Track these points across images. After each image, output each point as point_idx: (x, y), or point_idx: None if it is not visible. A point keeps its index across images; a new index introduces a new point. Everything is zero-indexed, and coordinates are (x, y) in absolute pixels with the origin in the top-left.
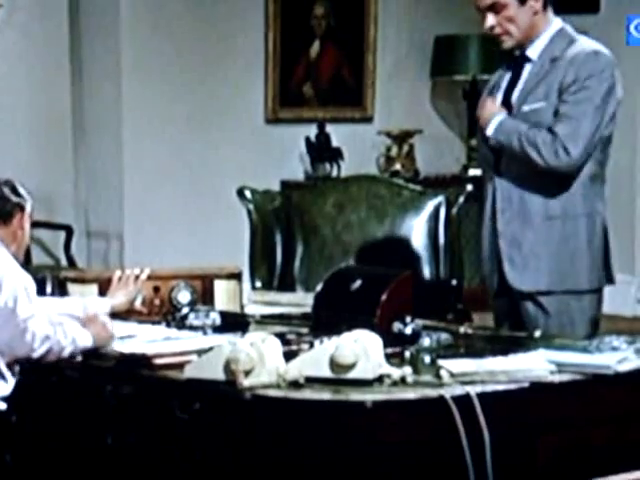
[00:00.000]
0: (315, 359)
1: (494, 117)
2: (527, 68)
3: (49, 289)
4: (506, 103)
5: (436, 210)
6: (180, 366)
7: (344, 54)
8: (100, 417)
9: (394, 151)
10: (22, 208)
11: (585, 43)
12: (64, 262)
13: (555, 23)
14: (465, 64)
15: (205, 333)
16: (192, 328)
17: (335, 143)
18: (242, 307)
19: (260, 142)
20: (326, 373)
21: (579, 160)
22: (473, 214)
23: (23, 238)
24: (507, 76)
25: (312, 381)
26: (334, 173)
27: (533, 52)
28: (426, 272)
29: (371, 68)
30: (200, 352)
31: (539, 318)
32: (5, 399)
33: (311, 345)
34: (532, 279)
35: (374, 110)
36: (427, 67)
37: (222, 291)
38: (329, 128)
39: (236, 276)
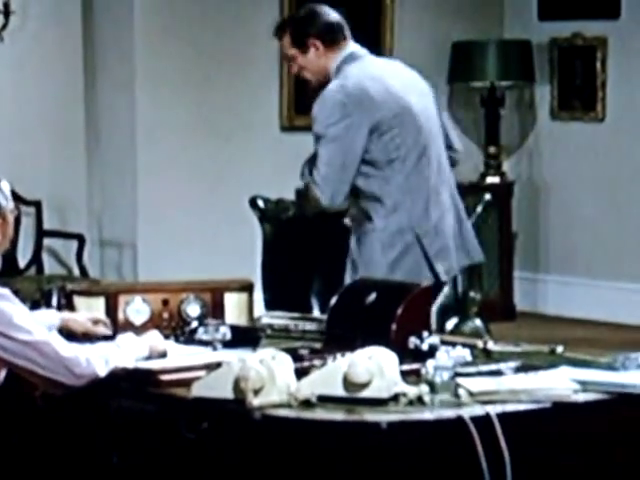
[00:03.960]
0: (328, 377)
1: None
2: None
3: (55, 302)
4: None
5: None
6: (187, 383)
7: None
8: (105, 435)
9: None
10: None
11: (343, 75)
12: (76, 272)
13: (342, 54)
14: (483, 70)
15: (214, 348)
16: (201, 343)
17: None
18: (253, 320)
19: (275, 150)
20: (339, 392)
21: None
22: (492, 222)
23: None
24: None
25: (324, 400)
26: None
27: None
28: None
29: None
30: (208, 368)
31: None
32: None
33: (323, 362)
34: None
35: None
36: (444, 73)
37: (233, 304)
38: None
39: (247, 288)
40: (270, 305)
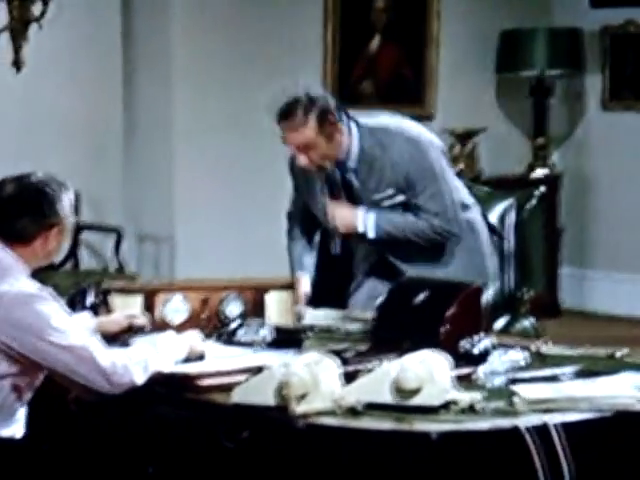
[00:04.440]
0: (375, 383)
1: (359, 217)
2: (353, 175)
3: (90, 300)
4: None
5: (504, 214)
6: (227, 388)
7: (405, 49)
8: (140, 445)
9: (457, 150)
10: (50, 227)
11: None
12: (113, 266)
13: (352, 126)
14: (531, 59)
15: (255, 350)
16: (241, 344)
17: None
18: (296, 321)
19: None
20: (387, 399)
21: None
22: (538, 216)
23: (47, 256)
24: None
25: (371, 408)
26: None
27: (352, 162)
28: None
29: (433, 64)
30: (249, 373)
31: None
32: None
33: (370, 367)
34: None
35: (435, 108)
36: (492, 62)
37: (274, 303)
38: None
39: (290, 287)
40: (310, 303)
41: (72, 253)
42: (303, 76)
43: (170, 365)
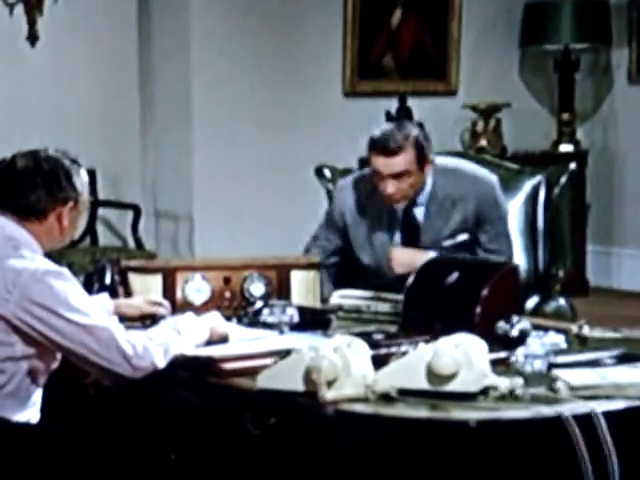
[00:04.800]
0: (409, 368)
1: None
2: (419, 211)
3: (108, 279)
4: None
5: (534, 191)
6: (252, 372)
7: (427, 23)
8: (162, 430)
9: (480, 126)
10: (65, 201)
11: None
12: (132, 243)
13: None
14: (557, 32)
15: (281, 332)
16: (266, 325)
17: (417, 117)
18: (322, 301)
19: (338, 117)
20: (422, 384)
21: None
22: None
23: (62, 235)
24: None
25: (405, 394)
26: None
27: (423, 198)
28: (523, 261)
29: (455, 38)
30: (276, 356)
31: None
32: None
33: (403, 350)
34: None
35: (458, 82)
36: (516, 36)
37: (300, 283)
38: (410, 102)
39: (315, 266)
40: (337, 283)
41: (89, 230)
42: (323, 43)
43: (192, 348)
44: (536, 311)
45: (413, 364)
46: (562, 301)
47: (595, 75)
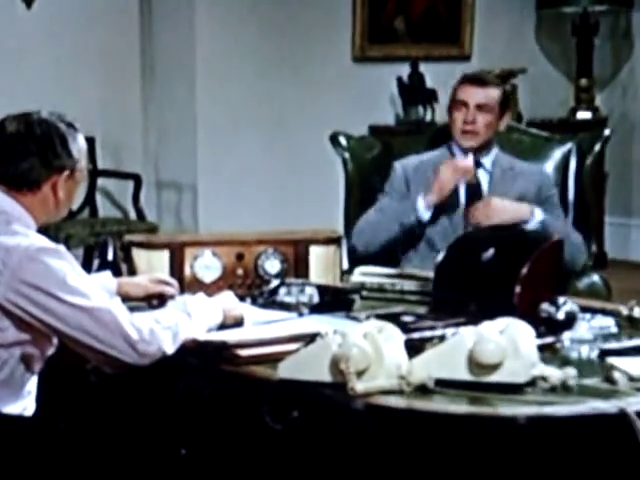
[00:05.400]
0: (448, 356)
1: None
2: (483, 175)
3: (110, 255)
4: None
5: (565, 160)
6: (272, 359)
7: None
8: (171, 423)
9: None
10: (60, 169)
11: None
12: (133, 215)
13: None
14: None
15: (300, 314)
16: (283, 306)
17: (429, 84)
18: (342, 280)
19: (347, 83)
20: (462, 375)
21: None
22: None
23: (57, 207)
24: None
25: (444, 385)
26: (428, 117)
27: (487, 160)
28: None
29: (469, 0)
30: (298, 341)
31: None
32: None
33: (440, 335)
34: None
35: (472, 47)
36: None
37: (318, 259)
38: (423, 67)
39: (335, 241)
40: (354, 258)
41: (88, 200)
42: (333, 11)
43: (204, 332)
44: (566, 288)
45: (453, 352)
46: (595, 277)
47: (615, 39)
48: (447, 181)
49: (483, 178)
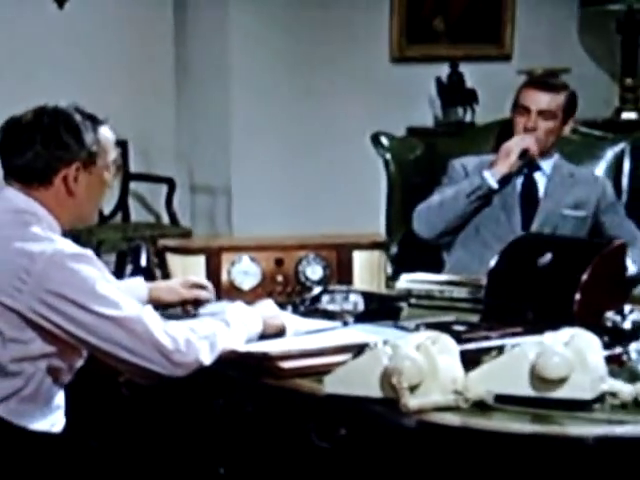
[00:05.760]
0: (509, 369)
1: None
2: (540, 179)
3: (144, 261)
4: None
5: (618, 160)
6: (317, 372)
7: None
8: (210, 440)
9: None
10: (69, 161)
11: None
12: (166, 219)
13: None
14: None
15: (345, 323)
16: (326, 314)
17: (469, 84)
18: (388, 287)
19: (384, 84)
20: (524, 390)
21: None
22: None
23: (76, 204)
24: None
25: (504, 401)
26: (468, 118)
27: (547, 165)
28: None
29: None
30: (344, 352)
31: None
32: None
33: (500, 348)
34: None
35: (513, 47)
36: None
37: (363, 265)
38: (462, 67)
39: (380, 246)
40: (398, 263)
41: (120, 205)
42: (371, 11)
43: (243, 342)
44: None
45: (513, 365)
46: None
47: None
48: (514, 145)
49: (540, 182)
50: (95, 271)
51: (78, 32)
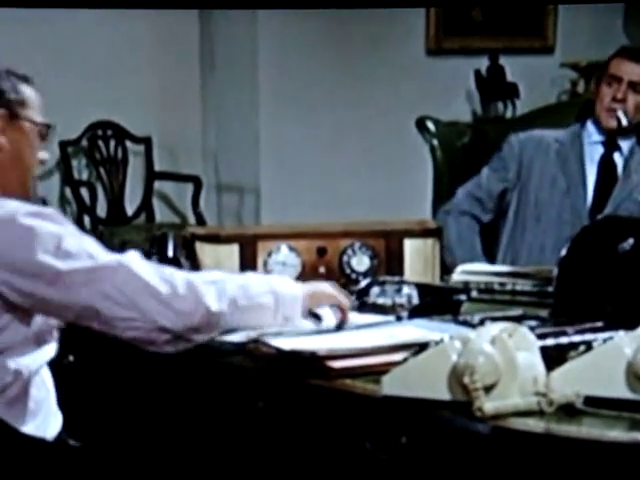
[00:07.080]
0: (600, 368)
1: None
2: (619, 159)
3: (171, 251)
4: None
5: None
6: (372, 372)
7: None
8: (248, 449)
9: (580, 87)
10: None
11: None
12: (191, 219)
13: None
14: None
15: (399, 317)
16: (376, 308)
17: (510, 78)
18: (443, 278)
19: (420, 77)
20: (619, 392)
21: None
22: None
23: (8, 159)
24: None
25: (596, 404)
26: (509, 114)
27: (625, 145)
28: None
29: None
30: (403, 350)
31: None
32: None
33: (588, 345)
34: None
35: (555, 39)
36: None
37: (415, 255)
38: (503, 60)
39: (434, 233)
40: None
41: (145, 204)
42: (405, 3)
43: (277, 320)
44: None
45: (606, 363)
46: None
47: None
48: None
49: (618, 162)
50: (60, 227)
51: (104, 30)
